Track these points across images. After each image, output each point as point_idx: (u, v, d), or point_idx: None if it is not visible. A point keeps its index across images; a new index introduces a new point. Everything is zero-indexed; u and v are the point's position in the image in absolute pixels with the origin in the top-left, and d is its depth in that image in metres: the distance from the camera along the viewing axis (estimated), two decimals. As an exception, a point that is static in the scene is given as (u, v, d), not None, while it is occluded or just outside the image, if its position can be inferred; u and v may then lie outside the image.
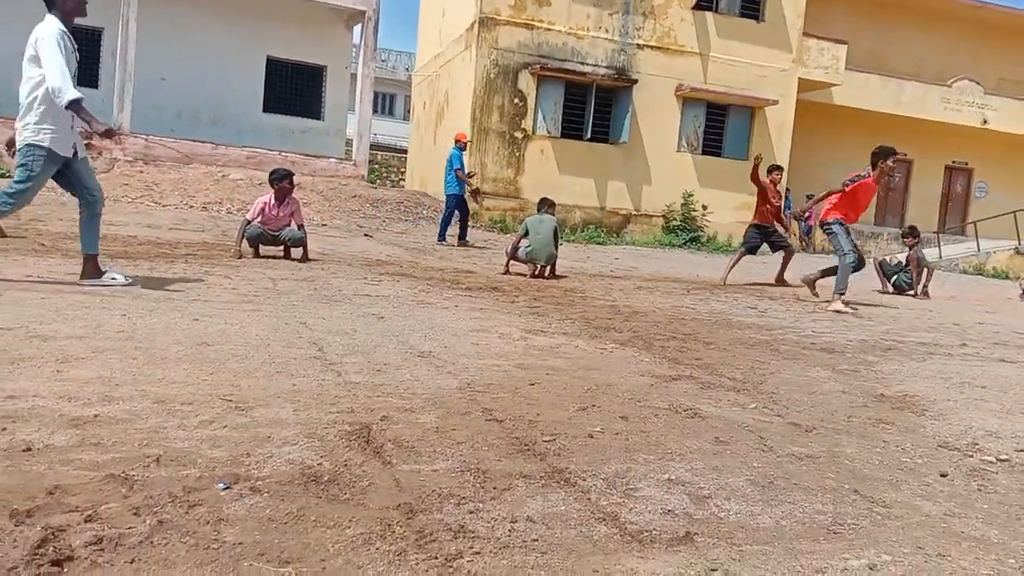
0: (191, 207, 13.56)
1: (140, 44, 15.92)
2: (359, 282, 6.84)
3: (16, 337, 3.59)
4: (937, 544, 2.20)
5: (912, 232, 11.78)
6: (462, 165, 13.03)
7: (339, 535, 1.92)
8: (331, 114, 20.26)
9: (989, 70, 24.60)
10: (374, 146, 27.22)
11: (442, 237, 12.97)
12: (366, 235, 12.81)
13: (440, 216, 13.88)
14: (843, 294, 8.15)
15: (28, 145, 5.03)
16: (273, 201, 8.22)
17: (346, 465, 2.39)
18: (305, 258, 8.14)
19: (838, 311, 7.93)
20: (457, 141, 13.39)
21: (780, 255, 11.15)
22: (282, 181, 8.28)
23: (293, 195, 8.44)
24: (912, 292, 11.33)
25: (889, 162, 8.16)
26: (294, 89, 19.71)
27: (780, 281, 10.81)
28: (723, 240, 18.43)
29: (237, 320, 4.53)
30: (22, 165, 5.07)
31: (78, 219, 5.39)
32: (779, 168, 11.14)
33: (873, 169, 8.18)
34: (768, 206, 10.77)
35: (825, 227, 8.40)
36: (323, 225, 13.23)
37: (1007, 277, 18.97)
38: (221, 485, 2.15)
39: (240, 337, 4.08)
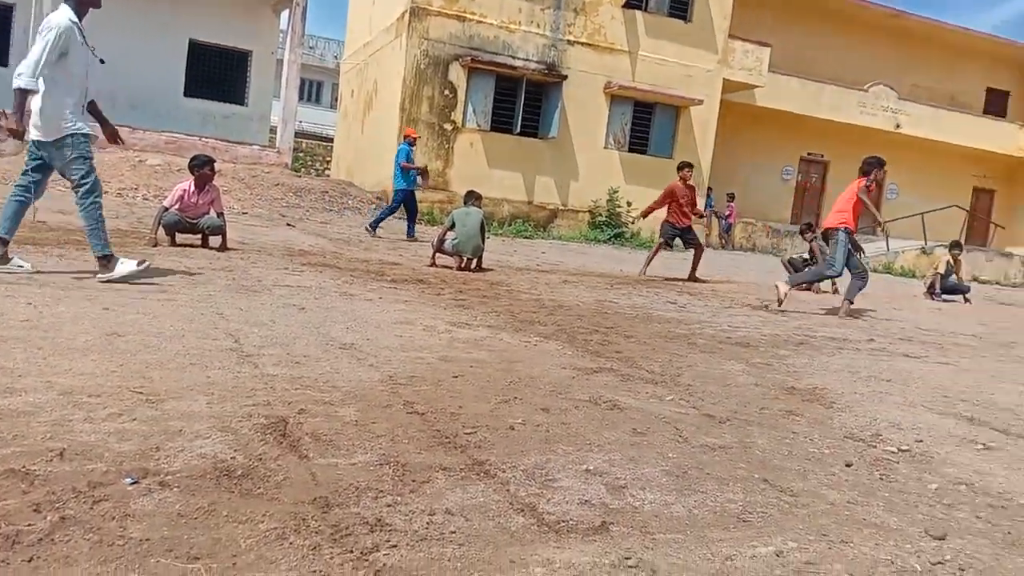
0: (106, 192, 13.04)
1: (52, 21, 15.21)
2: (279, 272, 6.71)
3: (-91, 326, 3.40)
4: (840, 531, 2.29)
5: (808, 227, 12.54)
6: (409, 160, 12.94)
7: (251, 530, 1.89)
8: (255, 100, 19.78)
9: (903, 76, 25.69)
10: (299, 134, 26.67)
11: (374, 227, 12.72)
12: (288, 224, 12.56)
13: (380, 207, 13.71)
14: (794, 286, 8.55)
15: (71, 135, 5.02)
16: (193, 188, 7.98)
17: (260, 459, 2.34)
18: (224, 247, 7.93)
19: (777, 287, 8.20)
20: (406, 137, 13.35)
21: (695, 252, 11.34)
22: (203, 168, 8.04)
23: (214, 182, 8.21)
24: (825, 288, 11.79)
25: (882, 172, 8.56)
26: (217, 74, 19.17)
27: (692, 278, 11.01)
28: (647, 236, 18.73)
29: (150, 310, 4.38)
30: (77, 157, 5.05)
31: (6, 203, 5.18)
32: (689, 165, 11.19)
33: (864, 177, 8.48)
34: (679, 207, 10.87)
35: (830, 233, 8.55)
36: (244, 213, 12.93)
37: (914, 276, 19.85)
38: (128, 480, 2.08)
39: (152, 327, 3.95)
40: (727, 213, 22.41)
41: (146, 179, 14.05)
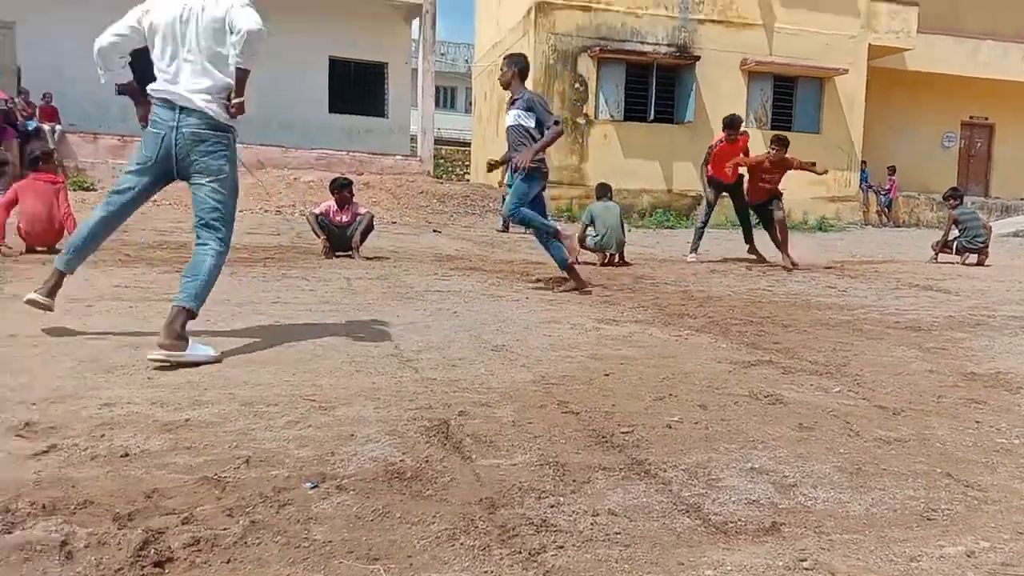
0: (266, 211, 13.92)
1: (209, 54, 16.33)
2: (430, 278, 6.92)
3: (109, 346, 3.75)
4: (1040, 529, 2.10)
5: (954, 194, 11.80)
6: None
7: (424, 531, 1.95)
8: (394, 111, 20.50)
9: (1074, 23, 23.28)
10: (437, 140, 27.43)
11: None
12: (435, 231, 12.94)
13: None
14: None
15: None
16: (336, 207, 8.41)
17: (427, 461, 2.42)
18: (364, 236, 8.31)
19: None
20: None
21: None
22: (343, 190, 8.45)
23: (353, 200, 8.62)
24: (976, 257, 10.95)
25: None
26: (357, 88, 20.00)
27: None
28: (797, 217, 17.94)
29: (316, 320, 4.63)
30: None
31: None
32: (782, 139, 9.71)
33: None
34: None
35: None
36: (393, 223, 13.43)
37: (1104, 241, 17.95)
38: (309, 484, 2.21)
39: (319, 337, 4.18)
40: (887, 188, 21.09)
41: (301, 195, 14.87)
